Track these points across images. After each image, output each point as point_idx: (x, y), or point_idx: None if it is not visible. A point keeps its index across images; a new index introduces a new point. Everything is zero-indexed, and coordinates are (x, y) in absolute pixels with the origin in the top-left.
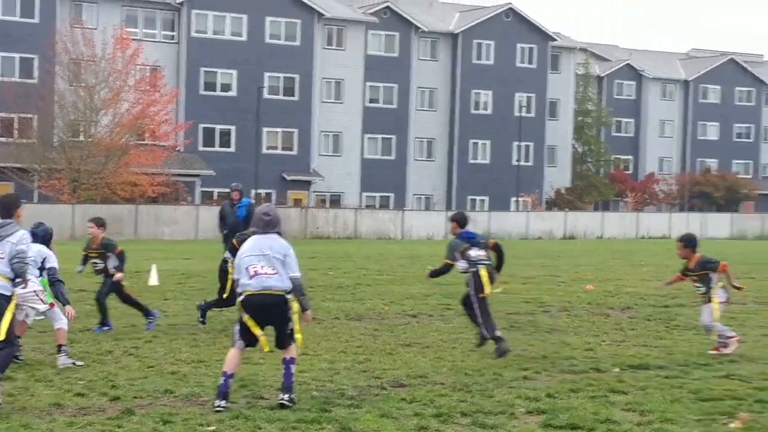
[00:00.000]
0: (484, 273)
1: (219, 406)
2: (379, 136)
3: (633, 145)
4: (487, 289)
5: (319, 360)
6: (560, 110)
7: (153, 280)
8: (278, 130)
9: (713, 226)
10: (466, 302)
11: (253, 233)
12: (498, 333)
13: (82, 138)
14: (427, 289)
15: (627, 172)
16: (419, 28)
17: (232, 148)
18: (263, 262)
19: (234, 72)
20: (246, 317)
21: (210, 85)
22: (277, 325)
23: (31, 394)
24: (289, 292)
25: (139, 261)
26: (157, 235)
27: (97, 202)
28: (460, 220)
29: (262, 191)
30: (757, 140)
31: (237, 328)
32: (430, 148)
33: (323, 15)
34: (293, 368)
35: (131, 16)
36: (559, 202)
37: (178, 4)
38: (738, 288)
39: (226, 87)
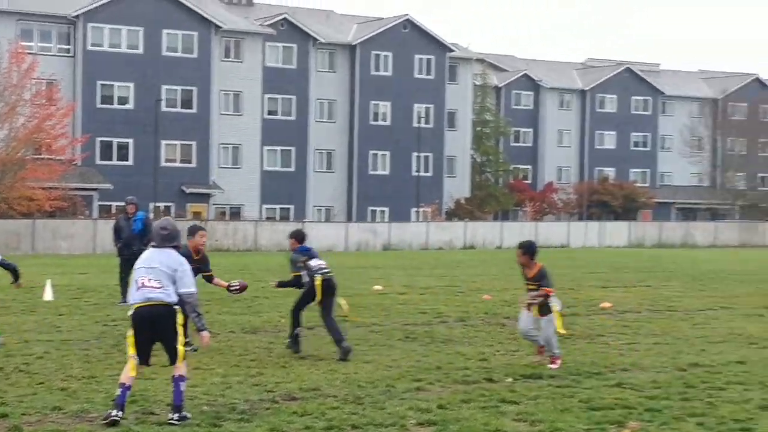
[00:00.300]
0: (318, 282)
1: (115, 416)
2: (279, 148)
3: (531, 154)
4: (319, 296)
5: (211, 374)
6: (459, 121)
7: (47, 295)
8: (177, 142)
9: (611, 235)
10: (321, 312)
11: (153, 247)
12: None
13: None
14: None
15: (526, 181)
16: (317, 39)
17: (130, 162)
18: (151, 275)
19: (131, 85)
20: (129, 333)
21: (107, 98)
22: (164, 340)
23: None
24: (176, 305)
25: (35, 276)
26: (55, 250)
27: None
28: (298, 237)
29: (161, 204)
30: (654, 149)
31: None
32: (330, 159)
33: (220, 27)
34: (183, 386)
35: (26, 30)
36: (458, 213)
37: (73, 17)
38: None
39: (123, 100)
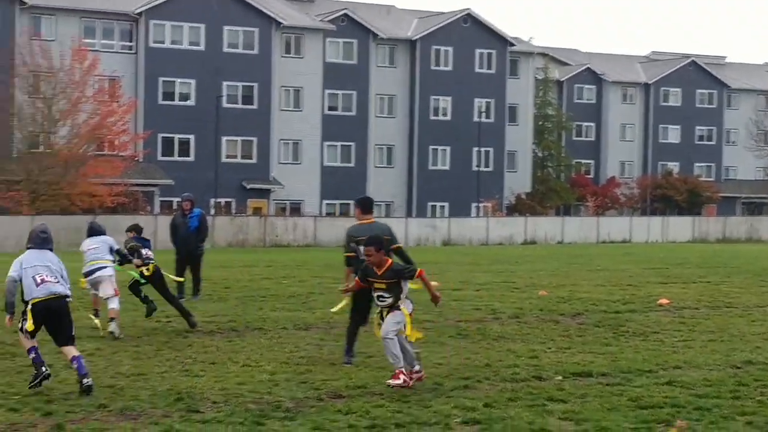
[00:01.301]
0: (152, 269)
1: (46, 372)
2: (339, 143)
3: (594, 149)
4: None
5: (259, 371)
6: (520, 115)
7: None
8: (237, 138)
9: (675, 230)
10: (133, 287)
11: (30, 248)
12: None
13: (40, 149)
14: None
15: (588, 176)
16: (377, 35)
17: (191, 158)
18: (47, 272)
19: (192, 81)
20: (29, 323)
21: (168, 95)
22: (61, 327)
23: None
24: (69, 297)
25: None
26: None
27: (56, 213)
28: (137, 230)
29: (222, 200)
30: (719, 142)
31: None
32: (390, 154)
33: (281, 23)
34: (82, 361)
35: (89, 27)
36: (519, 208)
37: (136, 14)
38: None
39: (184, 96)
